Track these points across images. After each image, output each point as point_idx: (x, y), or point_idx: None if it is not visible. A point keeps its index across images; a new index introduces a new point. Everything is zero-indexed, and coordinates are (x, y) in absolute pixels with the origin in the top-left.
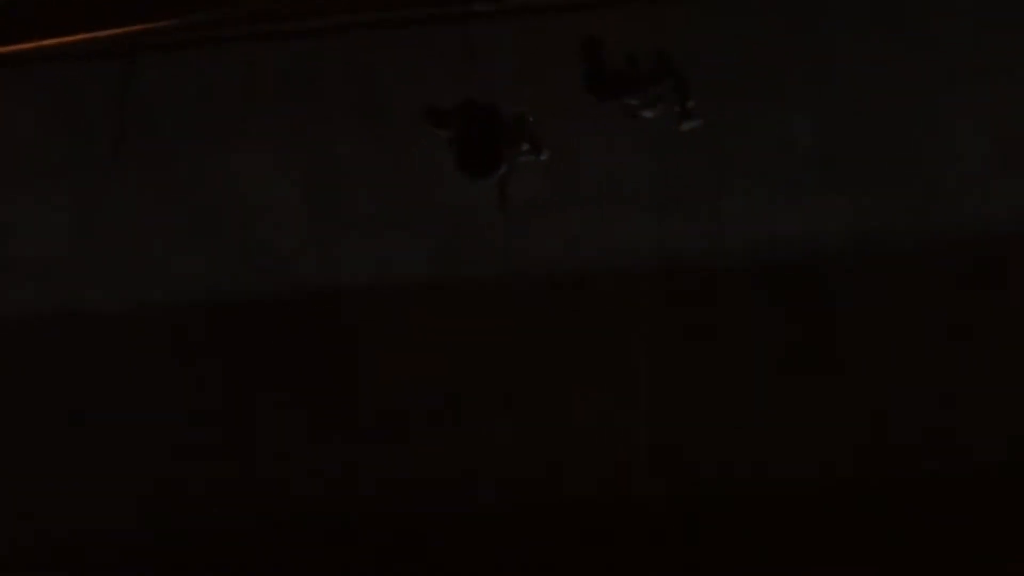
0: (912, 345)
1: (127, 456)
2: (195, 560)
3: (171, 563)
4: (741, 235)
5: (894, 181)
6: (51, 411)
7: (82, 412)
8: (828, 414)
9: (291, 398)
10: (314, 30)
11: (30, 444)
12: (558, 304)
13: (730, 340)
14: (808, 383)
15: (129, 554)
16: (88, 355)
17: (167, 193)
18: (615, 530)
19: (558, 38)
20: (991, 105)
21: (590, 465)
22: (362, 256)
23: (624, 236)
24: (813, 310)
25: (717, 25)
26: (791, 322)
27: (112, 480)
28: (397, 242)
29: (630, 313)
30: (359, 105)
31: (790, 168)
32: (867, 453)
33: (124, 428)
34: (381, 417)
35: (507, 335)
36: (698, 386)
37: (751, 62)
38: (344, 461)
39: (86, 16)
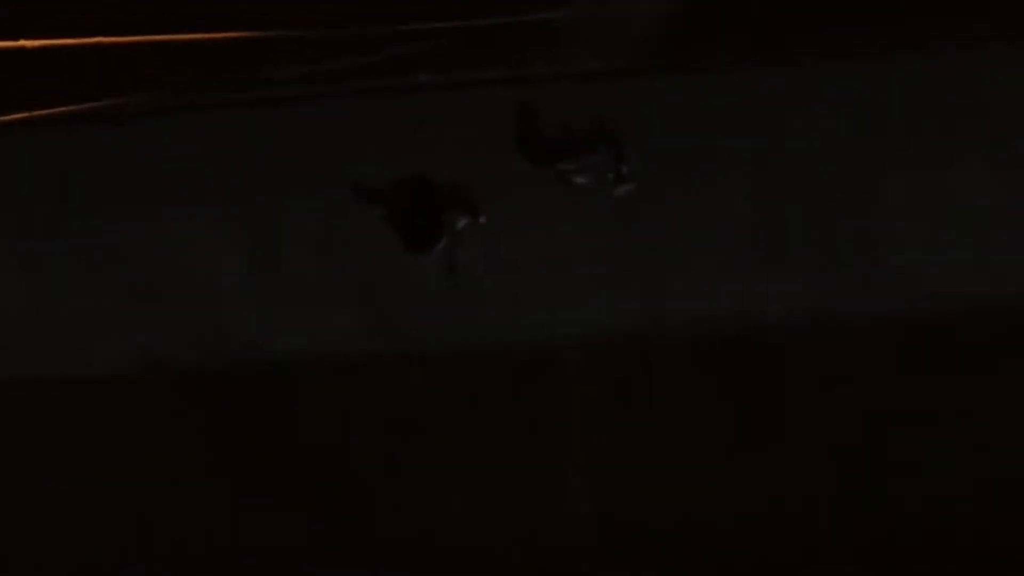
0: (854, 421)
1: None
2: None
3: None
4: (682, 309)
5: (835, 257)
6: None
7: (31, 477)
8: (772, 490)
9: (229, 467)
10: (258, 101)
11: None
12: (497, 376)
13: (672, 415)
14: (750, 459)
15: None
16: (33, 421)
17: (108, 261)
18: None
19: (502, 111)
20: (932, 184)
21: (533, 537)
22: (304, 326)
23: (565, 309)
24: (755, 385)
25: (660, 102)
26: (733, 397)
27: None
28: (338, 312)
29: (570, 386)
30: (303, 175)
31: (732, 243)
32: (808, 529)
33: (68, 495)
34: (323, 486)
35: (447, 406)
36: (639, 461)
37: (693, 137)
38: (283, 529)
39: (30, 89)
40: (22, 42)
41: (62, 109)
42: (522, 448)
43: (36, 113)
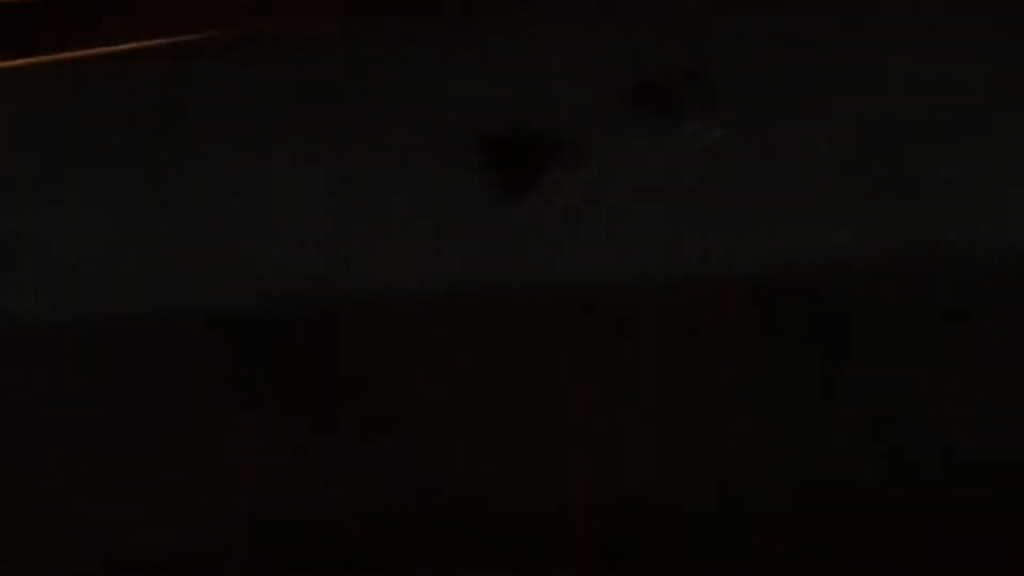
0: (928, 364)
1: (137, 457)
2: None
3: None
4: (763, 246)
5: (914, 198)
6: (73, 416)
7: (114, 418)
8: (835, 433)
9: (309, 405)
10: (362, 33)
11: (47, 449)
12: (573, 316)
13: (740, 356)
14: (816, 404)
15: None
16: (117, 363)
17: (204, 200)
18: (623, 544)
19: (603, 47)
20: (1016, 126)
21: (594, 475)
22: (388, 264)
23: (641, 249)
24: (828, 327)
25: (738, 40)
26: (804, 339)
27: (126, 485)
28: (425, 250)
29: (642, 326)
30: (404, 112)
31: (813, 180)
32: (874, 479)
33: (135, 431)
34: (391, 430)
35: (528, 348)
36: (704, 404)
37: (775, 75)
38: (347, 473)
39: (127, 22)
40: None
41: (163, 41)
42: (593, 387)
43: (137, 44)
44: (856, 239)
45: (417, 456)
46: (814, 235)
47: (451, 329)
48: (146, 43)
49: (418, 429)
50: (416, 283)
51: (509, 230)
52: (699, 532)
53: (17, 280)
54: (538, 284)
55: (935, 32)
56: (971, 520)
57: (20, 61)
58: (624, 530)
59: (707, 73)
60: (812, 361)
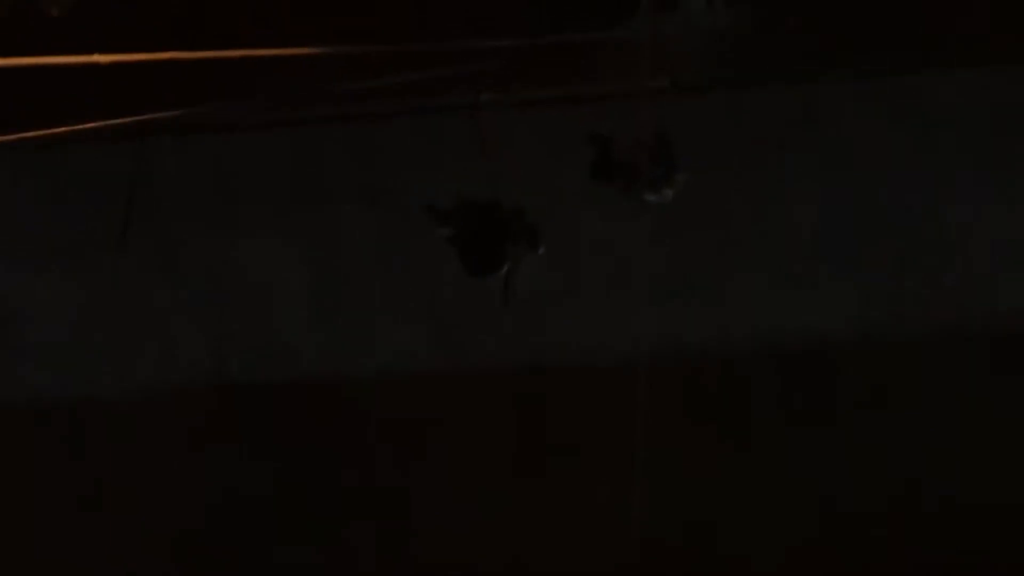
0: (917, 433)
1: (137, 541)
2: None
3: None
4: (745, 323)
5: (898, 271)
6: (62, 497)
7: (93, 497)
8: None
9: (293, 482)
10: (322, 118)
11: (41, 530)
12: (561, 392)
13: (731, 428)
14: (811, 469)
15: None
16: (97, 440)
17: (174, 278)
18: None
19: (565, 129)
20: (997, 198)
21: (589, 551)
22: (366, 343)
23: (628, 324)
24: (817, 398)
25: (721, 115)
26: (796, 410)
27: (123, 565)
28: (401, 329)
29: (633, 400)
30: (366, 193)
31: (794, 255)
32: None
33: (135, 513)
34: (385, 501)
35: (511, 423)
36: (699, 473)
37: (758, 151)
38: (346, 543)
39: (97, 103)
40: (95, 57)
41: (129, 120)
42: (586, 464)
43: (105, 124)
44: (838, 311)
45: (392, 529)
46: (777, 308)
47: (417, 404)
48: (110, 123)
49: (396, 498)
50: (384, 359)
51: (474, 307)
52: None
53: None
54: (506, 358)
55: (896, 109)
56: None
57: None
58: None
59: (667, 150)
60: (801, 424)
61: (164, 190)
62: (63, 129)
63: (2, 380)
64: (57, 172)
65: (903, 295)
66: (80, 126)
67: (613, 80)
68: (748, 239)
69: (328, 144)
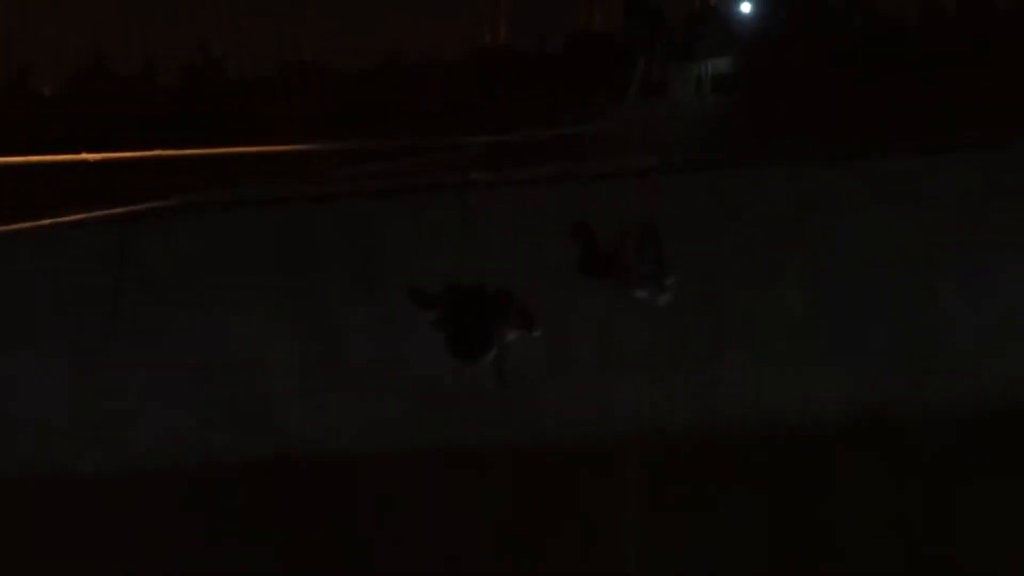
0: (907, 516)
1: None
2: None
3: None
4: (736, 405)
5: (888, 352)
6: (52, 568)
7: (84, 569)
8: None
9: (283, 554)
10: (311, 196)
11: None
12: (552, 470)
13: (723, 509)
14: (800, 551)
15: None
16: (86, 514)
17: (163, 355)
18: None
19: (554, 207)
20: (984, 278)
21: None
22: (355, 419)
23: (618, 404)
24: (807, 479)
25: (714, 197)
26: (785, 491)
27: None
28: (390, 406)
29: (623, 480)
30: (354, 270)
31: (784, 337)
32: None
33: None
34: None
35: (501, 500)
36: (690, 554)
37: (747, 233)
38: None
39: (85, 191)
40: (83, 155)
41: (118, 211)
42: (575, 543)
43: (93, 215)
44: (827, 393)
45: None
46: (767, 390)
47: (405, 479)
48: (92, 214)
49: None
50: (371, 435)
51: (462, 388)
52: None
53: None
54: (491, 440)
55: (883, 192)
56: None
57: None
58: None
59: (656, 248)
60: (791, 504)
61: (154, 268)
62: (49, 221)
63: None
64: (49, 254)
65: (893, 377)
66: (69, 217)
67: (602, 161)
68: (738, 320)
69: (317, 222)
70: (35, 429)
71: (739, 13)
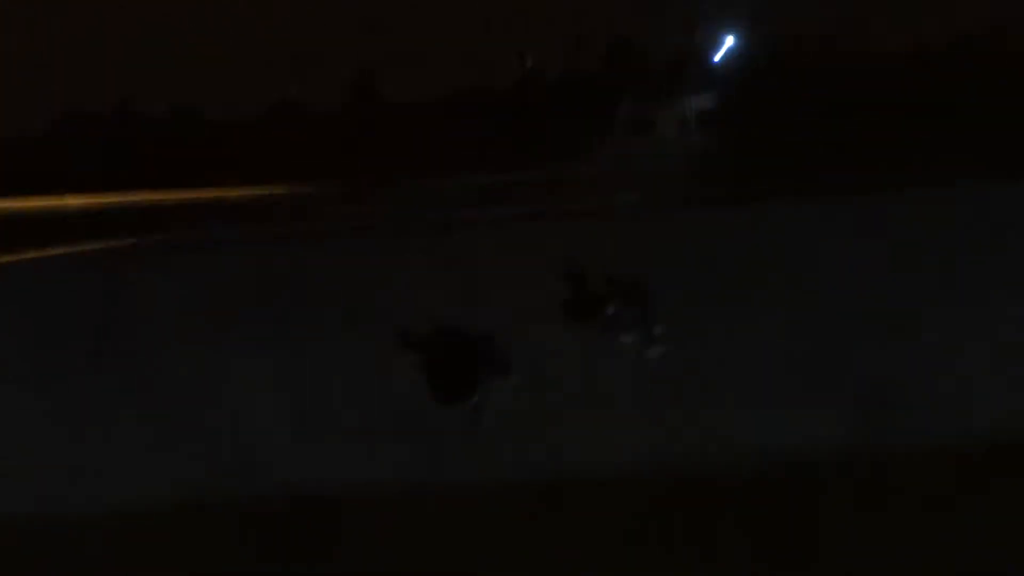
0: (899, 547)
1: None
2: None
3: None
4: (722, 443)
5: (878, 389)
6: None
7: None
8: None
9: None
10: (299, 235)
11: None
12: (542, 509)
13: (712, 546)
14: None
15: None
16: (69, 558)
17: (147, 399)
18: None
19: (539, 245)
20: (972, 316)
21: None
22: (344, 460)
23: (608, 445)
24: (796, 515)
25: (700, 234)
26: (777, 532)
27: None
28: (380, 446)
29: (613, 518)
30: (344, 308)
31: (771, 374)
32: None
33: None
34: None
35: (490, 542)
36: None
37: (738, 274)
38: None
39: (73, 229)
40: (67, 199)
41: (102, 246)
42: None
43: (77, 249)
44: (800, 429)
45: None
46: (753, 429)
47: (388, 521)
48: (82, 248)
49: None
50: (361, 476)
51: (446, 431)
52: None
53: None
54: (480, 478)
55: (870, 228)
56: None
57: None
58: None
59: (643, 298)
60: (783, 545)
61: (139, 306)
62: (34, 255)
63: None
64: (33, 291)
65: (882, 413)
66: (55, 252)
67: (588, 199)
68: (725, 358)
69: (306, 261)
70: (19, 470)
71: (723, 52)
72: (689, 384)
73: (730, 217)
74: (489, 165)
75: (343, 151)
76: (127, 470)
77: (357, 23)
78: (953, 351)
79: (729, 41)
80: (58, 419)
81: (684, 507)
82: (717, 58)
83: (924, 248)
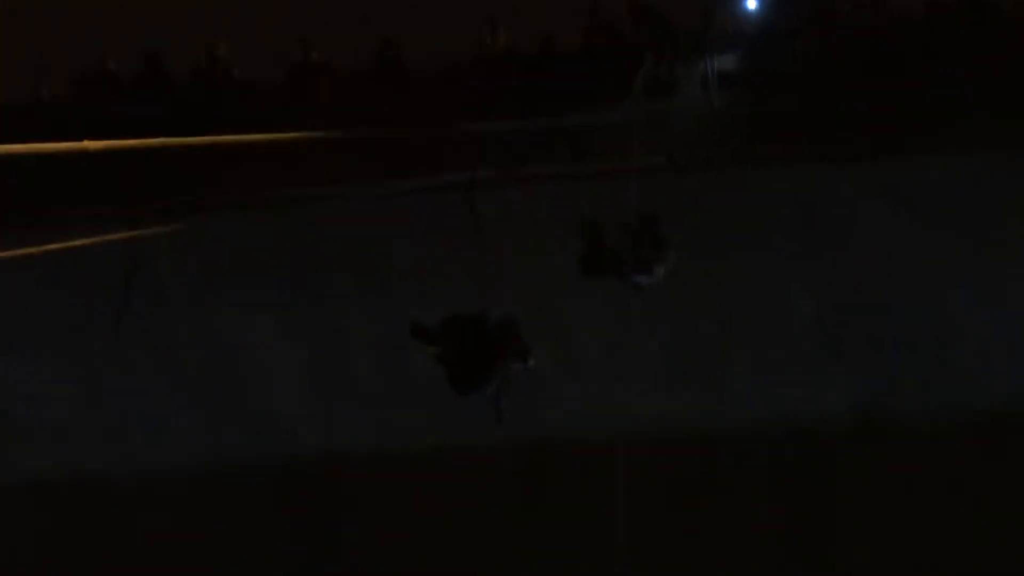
0: (914, 516)
1: None
2: None
3: None
4: (742, 407)
5: (896, 355)
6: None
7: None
8: None
9: (290, 560)
10: (318, 196)
11: None
12: (559, 474)
13: (729, 510)
14: (806, 553)
15: None
16: (96, 517)
17: (170, 361)
18: None
19: (561, 206)
20: (994, 282)
21: None
22: (361, 422)
23: (626, 407)
24: (814, 481)
25: (720, 196)
26: (792, 493)
27: None
28: (396, 408)
29: (630, 482)
30: (362, 271)
31: (790, 339)
32: None
33: None
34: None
35: (506, 501)
36: (697, 556)
37: (754, 234)
38: None
39: (93, 190)
40: (86, 143)
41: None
42: (582, 545)
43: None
44: (836, 394)
45: None
46: (772, 392)
47: (411, 481)
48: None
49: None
50: (378, 438)
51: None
52: None
53: None
54: (496, 443)
55: (893, 193)
56: None
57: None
58: None
59: (653, 231)
60: (797, 506)
61: (160, 271)
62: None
63: (2, 460)
64: (54, 257)
65: (900, 379)
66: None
67: (609, 160)
68: (743, 322)
69: (324, 222)
70: (45, 434)
71: (745, 10)
72: (708, 347)
73: (751, 179)
74: (509, 126)
75: (368, 111)
76: (151, 434)
77: None
78: (978, 316)
79: (752, 2)
80: (82, 385)
81: (703, 469)
82: (739, 16)
83: (946, 215)
